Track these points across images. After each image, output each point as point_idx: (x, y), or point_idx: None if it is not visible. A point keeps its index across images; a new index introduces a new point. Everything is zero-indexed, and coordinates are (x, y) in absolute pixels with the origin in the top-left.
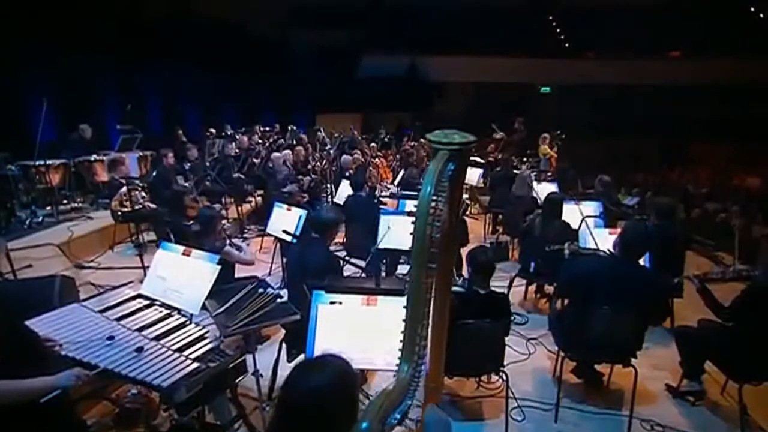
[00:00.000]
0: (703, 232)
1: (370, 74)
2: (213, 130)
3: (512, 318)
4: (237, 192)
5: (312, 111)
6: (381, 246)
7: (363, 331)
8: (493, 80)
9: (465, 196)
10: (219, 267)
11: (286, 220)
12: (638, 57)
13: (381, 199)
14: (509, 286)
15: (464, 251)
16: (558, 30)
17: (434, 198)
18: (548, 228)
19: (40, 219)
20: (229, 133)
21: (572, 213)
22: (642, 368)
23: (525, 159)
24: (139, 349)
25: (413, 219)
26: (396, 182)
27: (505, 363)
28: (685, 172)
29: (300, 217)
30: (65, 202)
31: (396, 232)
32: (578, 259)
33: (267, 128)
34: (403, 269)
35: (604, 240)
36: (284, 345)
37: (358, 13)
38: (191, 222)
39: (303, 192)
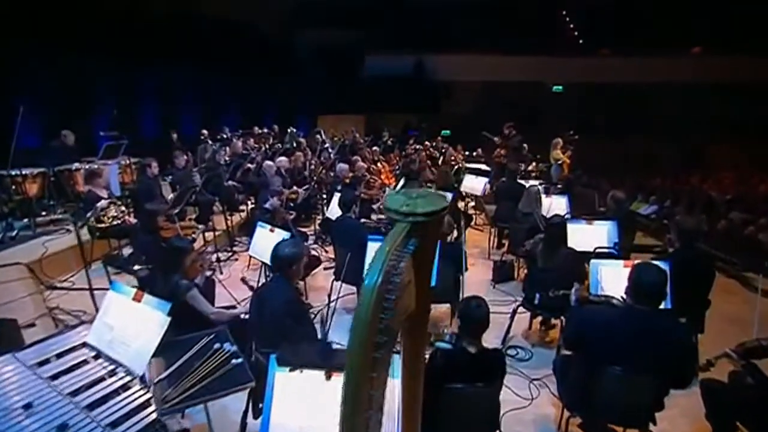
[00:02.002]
0: (730, 246)
1: (374, 74)
2: (206, 132)
3: (515, 353)
4: (227, 201)
5: (314, 112)
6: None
7: (324, 406)
8: (502, 79)
9: (471, 203)
10: (169, 318)
11: (268, 242)
12: (655, 54)
13: (380, 208)
14: (512, 316)
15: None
16: (570, 26)
17: (388, 288)
18: (552, 258)
19: (14, 233)
20: (226, 135)
21: (583, 235)
22: (662, 422)
23: (534, 164)
24: (63, 428)
25: None
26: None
27: (502, 411)
28: (706, 177)
29: (283, 239)
30: (44, 213)
31: None
32: (587, 308)
33: (265, 130)
34: None
35: (618, 276)
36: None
37: (362, 11)
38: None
39: (290, 210)
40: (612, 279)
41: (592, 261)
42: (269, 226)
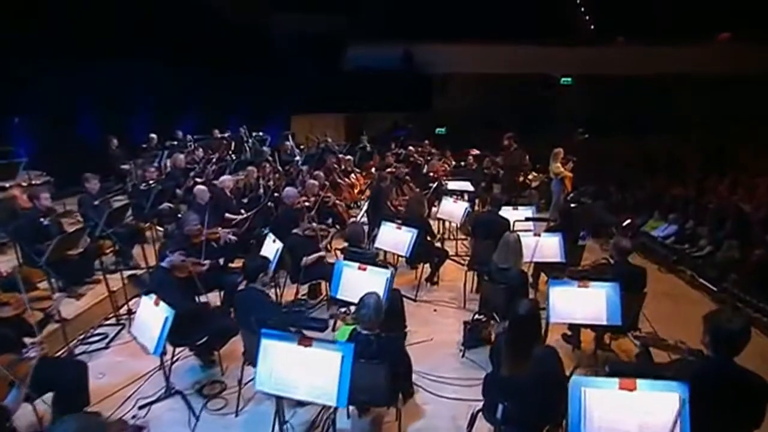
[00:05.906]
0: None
1: (357, 66)
2: (154, 136)
3: None
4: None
5: (288, 111)
6: (263, 388)
7: None
8: (503, 71)
9: (453, 223)
10: None
11: (152, 320)
12: (677, 42)
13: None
14: (470, 424)
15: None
16: (581, 11)
17: None
18: (519, 364)
19: None
20: (176, 141)
21: (572, 301)
22: None
23: (533, 174)
24: None
25: None
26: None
27: None
28: (736, 184)
29: (166, 319)
30: None
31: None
32: None
33: (227, 134)
34: None
35: (611, 401)
36: None
37: None
38: None
39: (212, 254)
40: (602, 407)
41: (573, 379)
42: (154, 297)
